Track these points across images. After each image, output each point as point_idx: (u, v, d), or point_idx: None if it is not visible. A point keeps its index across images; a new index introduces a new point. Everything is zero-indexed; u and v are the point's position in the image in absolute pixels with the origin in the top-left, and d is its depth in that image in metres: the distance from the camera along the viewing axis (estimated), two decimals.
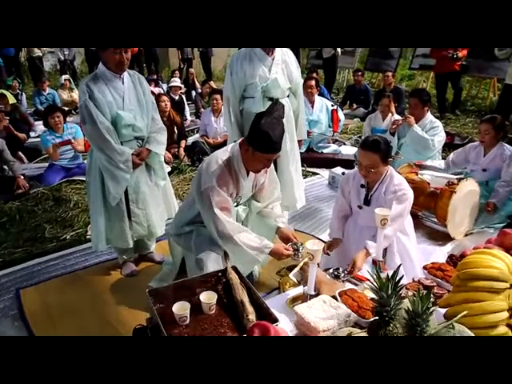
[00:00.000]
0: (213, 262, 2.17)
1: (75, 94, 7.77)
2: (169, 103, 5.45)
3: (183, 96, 7.50)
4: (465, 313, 1.42)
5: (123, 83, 2.57)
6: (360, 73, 8.13)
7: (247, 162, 2.20)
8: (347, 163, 4.77)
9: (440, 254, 2.59)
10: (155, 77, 9.32)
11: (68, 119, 5.46)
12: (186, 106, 7.35)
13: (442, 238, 3.19)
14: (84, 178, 3.51)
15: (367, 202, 2.46)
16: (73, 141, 4.79)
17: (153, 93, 4.84)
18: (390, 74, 7.23)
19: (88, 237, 3.39)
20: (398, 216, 2.34)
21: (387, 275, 1.46)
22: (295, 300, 1.84)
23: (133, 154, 2.59)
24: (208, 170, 2.18)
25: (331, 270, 2.06)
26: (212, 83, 8.21)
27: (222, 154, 2.24)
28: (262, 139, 2.04)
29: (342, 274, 2.05)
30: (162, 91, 7.65)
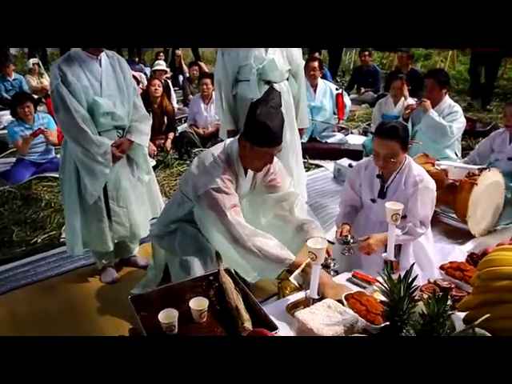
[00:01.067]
0: (201, 265, 2.17)
1: (46, 80, 7.75)
2: (161, 88, 5.45)
3: (169, 81, 7.49)
4: (487, 316, 1.43)
5: (100, 66, 2.57)
6: (367, 52, 8.14)
7: (246, 159, 2.18)
8: (354, 154, 4.80)
9: (459, 253, 2.60)
10: (137, 59, 9.31)
11: (39, 108, 5.45)
12: (173, 92, 7.33)
13: (462, 235, 3.19)
14: (57, 175, 3.51)
15: (382, 194, 2.47)
16: (45, 130, 4.76)
17: (134, 77, 4.84)
18: (405, 54, 7.20)
19: (62, 240, 3.38)
20: (428, 215, 2.38)
21: (399, 276, 1.48)
22: (296, 306, 1.84)
23: (112, 146, 2.59)
24: (208, 171, 2.16)
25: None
26: (203, 65, 8.19)
27: (219, 152, 2.23)
28: (259, 131, 2.03)
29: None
30: (144, 76, 7.64)
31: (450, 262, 2.04)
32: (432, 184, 2.40)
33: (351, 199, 2.65)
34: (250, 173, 2.30)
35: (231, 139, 2.30)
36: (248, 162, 2.20)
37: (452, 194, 3.23)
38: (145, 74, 8.18)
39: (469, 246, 3.03)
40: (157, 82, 5.46)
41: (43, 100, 7.56)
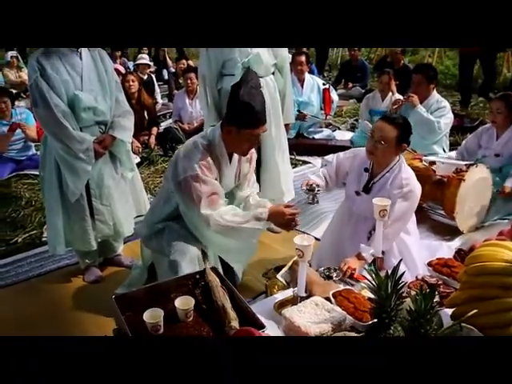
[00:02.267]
0: (189, 264, 2.17)
1: (24, 74, 7.61)
2: (136, 83, 5.38)
3: (153, 76, 7.41)
4: (474, 312, 1.43)
5: (81, 59, 2.54)
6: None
7: (232, 144, 2.21)
8: (342, 150, 4.75)
9: (447, 249, 2.63)
10: (119, 53, 9.19)
11: (17, 103, 5.37)
12: (157, 87, 7.27)
13: (450, 232, 3.20)
14: (37, 172, 3.47)
15: (367, 189, 2.48)
16: (23, 124, 4.70)
17: (117, 71, 4.79)
18: (399, 49, 7.13)
19: (44, 239, 3.35)
20: (402, 215, 2.37)
21: (386, 272, 1.49)
22: (284, 304, 1.84)
23: (94, 142, 2.57)
24: (187, 156, 2.18)
25: (322, 269, 2.07)
26: (190, 62, 8.10)
27: (200, 139, 2.25)
28: (244, 112, 2.06)
29: (335, 274, 2.06)
30: (125, 70, 7.55)
31: (437, 259, 2.05)
32: (417, 189, 2.42)
33: (329, 176, 2.67)
34: (235, 160, 2.33)
35: (212, 127, 2.32)
36: (234, 146, 2.23)
37: (440, 190, 3.24)
38: (128, 68, 8.08)
39: (457, 243, 3.04)
40: (131, 77, 5.41)
41: (23, 95, 7.44)
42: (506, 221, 3.26)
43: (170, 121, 6.03)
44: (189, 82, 5.64)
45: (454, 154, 4.02)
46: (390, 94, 4.76)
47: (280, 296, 1.96)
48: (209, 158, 2.19)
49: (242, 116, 2.08)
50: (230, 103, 2.15)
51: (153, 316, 1.61)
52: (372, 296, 1.51)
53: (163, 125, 5.93)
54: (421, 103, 4.07)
